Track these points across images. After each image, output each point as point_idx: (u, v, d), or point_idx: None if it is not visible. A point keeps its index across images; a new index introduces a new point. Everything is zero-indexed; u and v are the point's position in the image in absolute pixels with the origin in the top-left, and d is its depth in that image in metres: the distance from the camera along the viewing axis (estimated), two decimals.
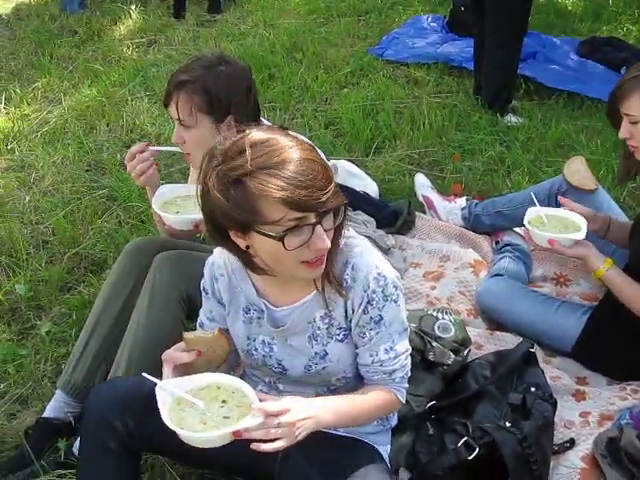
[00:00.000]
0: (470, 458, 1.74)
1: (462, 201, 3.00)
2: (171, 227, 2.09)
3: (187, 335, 1.56)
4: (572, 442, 2.01)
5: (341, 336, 1.63)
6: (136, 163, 2.15)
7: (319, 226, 1.42)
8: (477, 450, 1.75)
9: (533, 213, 2.39)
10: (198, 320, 1.80)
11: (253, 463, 1.60)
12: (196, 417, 1.44)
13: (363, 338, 1.61)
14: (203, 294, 1.75)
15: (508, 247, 2.78)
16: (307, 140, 1.49)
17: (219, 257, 1.70)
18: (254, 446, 1.41)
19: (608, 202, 2.68)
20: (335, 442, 1.67)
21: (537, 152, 3.54)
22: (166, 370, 1.55)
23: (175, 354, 1.56)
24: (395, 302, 1.59)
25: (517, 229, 2.89)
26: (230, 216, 1.43)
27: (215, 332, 1.57)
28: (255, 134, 1.44)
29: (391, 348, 1.62)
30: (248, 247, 1.49)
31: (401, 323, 1.63)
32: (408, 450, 1.94)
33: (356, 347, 1.65)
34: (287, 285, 1.61)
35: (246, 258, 1.53)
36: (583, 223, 2.29)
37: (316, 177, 1.39)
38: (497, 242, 2.88)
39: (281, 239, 1.41)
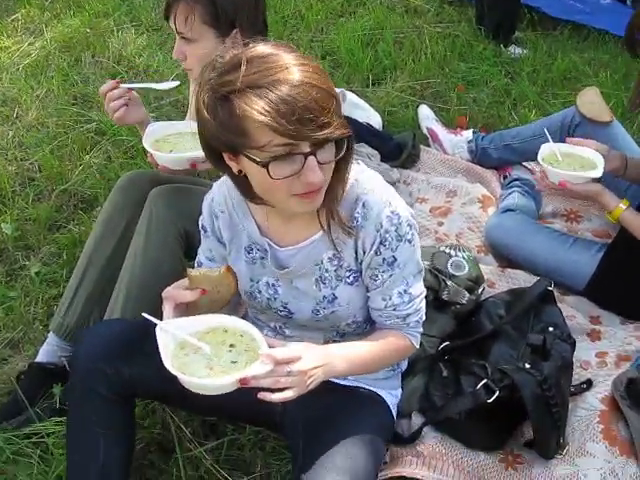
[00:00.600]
0: (489, 401, 1.66)
1: (468, 134, 2.86)
2: (165, 167, 1.94)
3: (192, 272, 1.44)
4: (589, 383, 1.94)
5: (351, 279, 1.52)
6: (108, 101, 2.00)
7: (312, 157, 1.28)
8: (497, 393, 1.66)
9: (547, 150, 2.27)
10: (196, 260, 1.69)
11: (257, 412, 1.53)
12: (201, 362, 1.34)
13: (375, 281, 1.51)
14: (202, 232, 1.63)
15: (517, 182, 2.67)
16: (316, 64, 1.35)
17: (219, 193, 1.58)
18: (261, 395, 1.32)
19: (623, 135, 2.55)
20: (335, 392, 1.58)
21: (543, 84, 3.40)
22: (167, 309, 1.42)
23: (177, 292, 1.44)
24: (409, 242, 1.48)
25: (526, 163, 2.78)
26: (216, 136, 1.32)
27: (222, 270, 1.45)
28: (257, 48, 1.30)
29: (405, 291, 1.52)
30: (240, 172, 1.37)
31: (416, 265, 1.53)
32: (421, 393, 1.86)
33: (367, 290, 1.54)
34: (292, 223, 1.49)
35: (242, 184, 1.41)
36: (599, 161, 2.18)
37: (311, 103, 1.25)
38: (505, 177, 2.77)
39: (265, 166, 1.28)
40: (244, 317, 1.78)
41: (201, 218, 1.62)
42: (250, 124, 1.25)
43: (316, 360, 1.37)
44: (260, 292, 1.58)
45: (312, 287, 1.53)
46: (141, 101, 2.05)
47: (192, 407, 1.70)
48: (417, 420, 1.83)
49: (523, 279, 2.27)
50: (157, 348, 1.32)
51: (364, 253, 1.48)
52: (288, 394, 1.33)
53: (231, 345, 1.37)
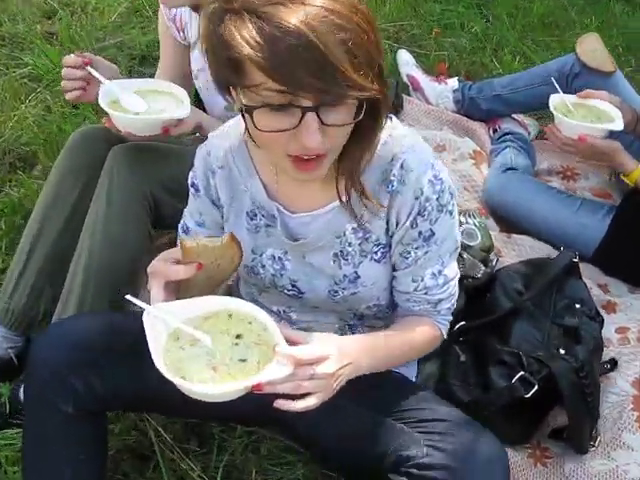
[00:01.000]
0: (527, 396, 1.44)
1: (454, 83, 2.60)
2: (130, 132, 1.61)
3: (187, 242, 1.12)
4: (614, 363, 1.74)
5: (378, 255, 1.26)
6: (64, 76, 1.68)
7: (312, 115, 1.00)
8: (536, 387, 1.45)
9: (557, 100, 2.04)
10: (180, 225, 1.40)
11: (259, 413, 1.26)
12: (202, 360, 1.06)
13: (406, 259, 1.26)
14: (191, 192, 1.35)
15: (509, 136, 2.44)
16: None
17: (217, 145, 1.28)
18: (279, 404, 1.07)
19: (625, 86, 2.34)
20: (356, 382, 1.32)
21: (522, 29, 3.16)
22: (155, 288, 1.12)
23: (167, 267, 1.12)
24: (450, 214, 1.24)
25: (515, 116, 2.55)
26: (211, 64, 1.05)
27: (225, 239, 1.14)
28: None
29: (440, 272, 1.28)
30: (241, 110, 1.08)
31: (454, 241, 1.28)
32: (436, 381, 1.63)
33: (394, 269, 1.29)
34: (307, 184, 1.21)
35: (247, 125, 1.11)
36: (616, 113, 1.97)
37: (324, 46, 0.95)
38: (495, 130, 2.53)
39: (249, 111, 1.02)
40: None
41: (191, 175, 1.33)
42: (240, 56, 0.97)
43: (343, 358, 1.12)
44: (264, 267, 1.31)
45: (329, 263, 1.27)
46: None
47: (186, 413, 1.43)
48: None
49: (529, 245, 2.06)
50: (140, 344, 1.04)
51: (397, 225, 1.23)
52: (311, 402, 1.08)
53: (238, 336, 1.10)
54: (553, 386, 1.49)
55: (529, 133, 2.53)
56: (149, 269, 1.15)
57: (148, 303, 1.10)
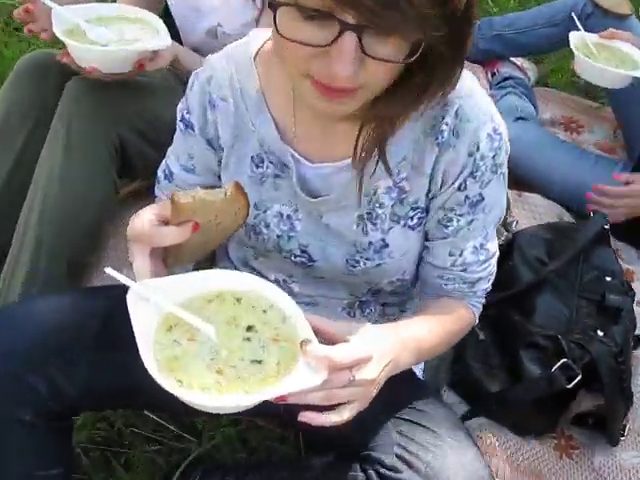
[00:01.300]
0: (570, 387, 1.25)
1: None
2: (95, 68, 1.32)
3: (181, 197, 0.85)
4: (638, 340, 1.57)
5: (414, 221, 1.03)
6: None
7: (351, 36, 0.76)
8: (579, 376, 1.25)
9: (578, 38, 1.82)
10: (161, 170, 1.13)
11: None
12: (203, 359, 0.82)
13: (446, 227, 1.03)
14: (180, 128, 1.08)
15: (509, 81, 2.22)
16: None
17: (221, 69, 1.02)
18: (307, 418, 0.84)
19: (638, 30, 2.13)
20: None
21: None
22: (139, 258, 0.86)
23: (154, 229, 0.85)
24: (503, 177, 1.02)
25: (514, 59, 2.32)
26: None
27: (230, 191, 0.87)
28: None
29: (482, 246, 1.06)
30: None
31: (501, 210, 1.07)
32: (450, 362, 1.44)
33: (426, 239, 1.06)
34: (332, 127, 0.97)
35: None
36: None
37: None
38: (493, 74, 2.30)
39: (273, 6, 0.79)
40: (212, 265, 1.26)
41: (181, 107, 1.07)
42: None
43: (384, 357, 0.90)
44: (268, 226, 1.06)
45: (352, 227, 1.03)
46: None
47: (182, 411, 1.18)
48: (451, 398, 1.41)
49: (540, 205, 1.86)
50: (117, 329, 0.83)
51: (442, 186, 1.00)
52: (345, 414, 0.86)
53: (249, 328, 0.86)
54: (590, 373, 1.31)
55: (529, 79, 2.31)
56: (129, 232, 0.88)
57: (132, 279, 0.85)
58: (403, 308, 1.22)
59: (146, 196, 1.27)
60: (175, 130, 1.09)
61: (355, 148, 0.94)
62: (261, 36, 1.02)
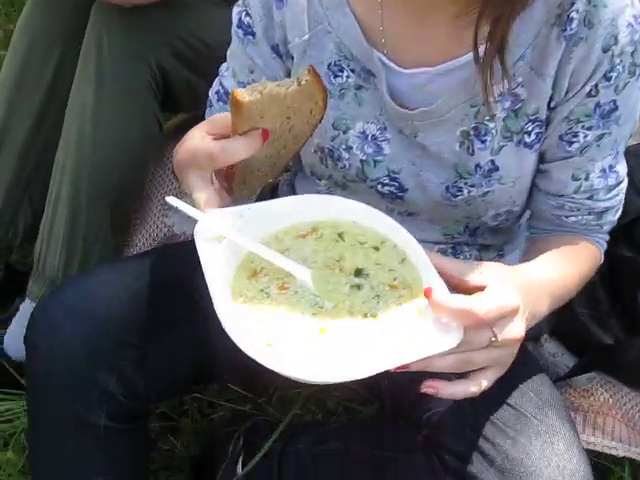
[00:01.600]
0: None
1: None
2: None
3: (245, 96, 0.65)
4: None
5: (532, 137, 0.85)
6: None
7: None
8: None
9: None
10: (213, 91, 0.96)
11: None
12: (302, 313, 0.66)
13: (570, 144, 0.85)
14: (238, 35, 0.89)
15: None
16: None
17: None
18: (433, 388, 0.68)
19: None
20: None
21: None
22: (199, 188, 0.70)
23: (213, 146, 0.68)
24: None
25: None
26: None
27: (304, 79, 0.67)
28: None
29: (611, 168, 0.88)
30: None
31: (635, 122, 0.87)
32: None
33: (542, 159, 0.88)
34: (431, 20, 0.80)
35: None
36: None
37: None
38: None
39: None
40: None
41: (238, 9, 0.88)
42: None
43: (526, 308, 0.72)
44: (349, 150, 0.88)
45: (454, 147, 0.85)
46: None
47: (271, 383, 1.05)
48: (551, 348, 1.24)
49: None
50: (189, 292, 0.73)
51: (567, 91, 0.81)
52: (484, 384, 0.70)
53: (358, 272, 0.69)
54: None
55: None
56: (178, 161, 0.73)
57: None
58: (502, 252, 1.04)
59: None
60: (226, 47, 0.91)
61: (475, 36, 0.73)
62: None
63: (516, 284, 0.72)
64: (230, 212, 0.69)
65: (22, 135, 1.32)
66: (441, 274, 0.67)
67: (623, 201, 0.93)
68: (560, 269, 0.84)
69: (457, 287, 0.69)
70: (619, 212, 0.94)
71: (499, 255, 1.04)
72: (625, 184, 0.92)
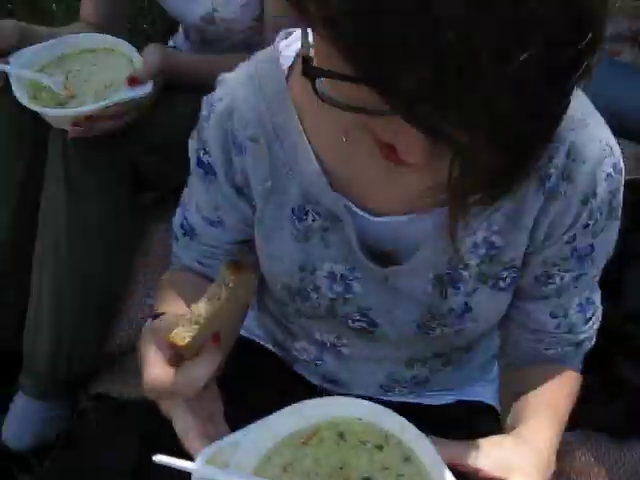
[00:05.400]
0: None
1: None
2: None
3: (181, 338, 0.63)
4: None
5: (507, 282, 0.80)
6: None
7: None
8: None
9: None
10: (177, 224, 0.91)
11: None
12: None
13: (545, 286, 0.82)
14: (198, 174, 0.84)
15: None
16: None
17: (244, 98, 0.79)
18: None
19: None
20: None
21: None
22: (179, 419, 0.66)
23: (179, 381, 0.64)
24: (617, 220, 0.80)
25: None
26: None
27: (229, 280, 0.64)
28: None
29: (587, 300, 0.85)
30: None
31: (607, 254, 0.83)
32: None
33: (518, 296, 0.85)
34: (396, 172, 0.72)
35: None
36: None
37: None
38: None
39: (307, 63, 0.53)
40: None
41: (195, 145, 0.83)
42: None
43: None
44: (317, 290, 0.84)
45: (427, 289, 0.81)
46: None
47: None
48: None
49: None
50: None
51: (546, 240, 0.78)
52: None
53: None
54: None
55: None
56: (147, 389, 0.65)
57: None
58: (469, 351, 1.00)
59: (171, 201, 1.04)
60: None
61: (451, 191, 0.61)
62: (292, 45, 0.79)
63: (537, 470, 0.70)
64: (226, 443, 0.65)
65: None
66: (454, 465, 0.65)
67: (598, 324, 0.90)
68: (561, 420, 0.82)
69: (473, 475, 0.68)
70: (594, 339, 0.90)
71: (466, 353, 1.00)
72: (600, 311, 0.89)
